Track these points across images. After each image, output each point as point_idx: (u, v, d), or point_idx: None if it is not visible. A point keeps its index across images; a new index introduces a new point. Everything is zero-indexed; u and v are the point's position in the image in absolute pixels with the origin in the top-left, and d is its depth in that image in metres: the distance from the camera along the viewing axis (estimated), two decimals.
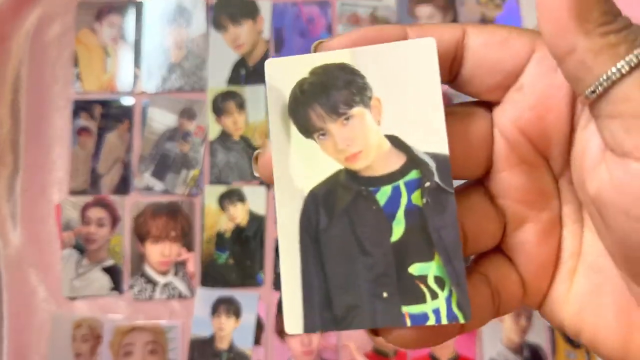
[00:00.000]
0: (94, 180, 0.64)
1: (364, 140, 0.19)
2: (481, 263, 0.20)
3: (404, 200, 0.19)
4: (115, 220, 0.63)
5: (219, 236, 0.63)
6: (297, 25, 0.67)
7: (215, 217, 0.63)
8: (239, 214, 0.63)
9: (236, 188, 0.63)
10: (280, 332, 0.61)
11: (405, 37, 0.19)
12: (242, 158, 0.64)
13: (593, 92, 0.16)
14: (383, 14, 0.67)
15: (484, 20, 0.67)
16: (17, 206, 0.63)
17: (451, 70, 0.20)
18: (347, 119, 0.19)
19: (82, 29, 0.67)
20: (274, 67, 0.20)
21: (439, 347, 0.61)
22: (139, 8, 0.67)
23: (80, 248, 0.62)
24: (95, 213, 0.63)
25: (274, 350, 0.61)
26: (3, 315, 0.61)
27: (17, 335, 0.61)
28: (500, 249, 0.21)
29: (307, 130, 0.19)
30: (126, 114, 0.65)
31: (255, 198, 0.63)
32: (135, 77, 0.66)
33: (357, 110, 0.19)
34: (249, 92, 0.65)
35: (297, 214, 0.19)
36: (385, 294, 0.19)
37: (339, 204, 0.19)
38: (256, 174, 0.21)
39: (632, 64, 0.15)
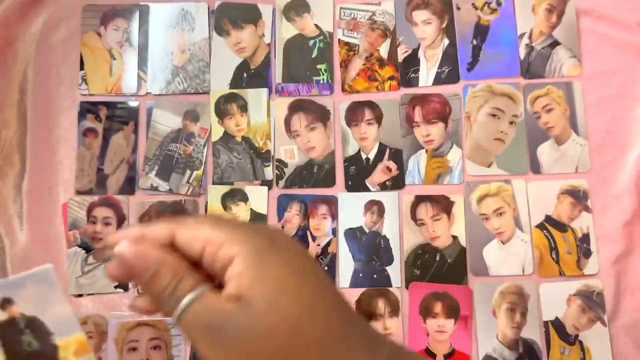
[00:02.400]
0: (99, 180, 0.65)
1: None
2: None
3: None
4: (120, 219, 0.64)
5: None
6: None
7: None
8: (241, 213, 0.64)
9: (238, 188, 0.64)
10: None
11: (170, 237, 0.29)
12: (244, 159, 0.65)
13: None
14: (381, 18, 0.68)
15: (480, 25, 0.68)
16: (24, 206, 0.64)
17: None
18: None
19: (87, 32, 0.68)
20: None
21: (436, 343, 0.62)
22: (143, 12, 0.68)
23: (86, 247, 0.63)
24: (101, 212, 0.64)
25: None
26: None
27: None
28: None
29: None
30: (131, 115, 0.66)
31: (257, 198, 0.64)
32: (140, 79, 0.67)
33: None
34: (251, 94, 0.66)
35: None
36: None
37: None
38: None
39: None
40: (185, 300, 0.27)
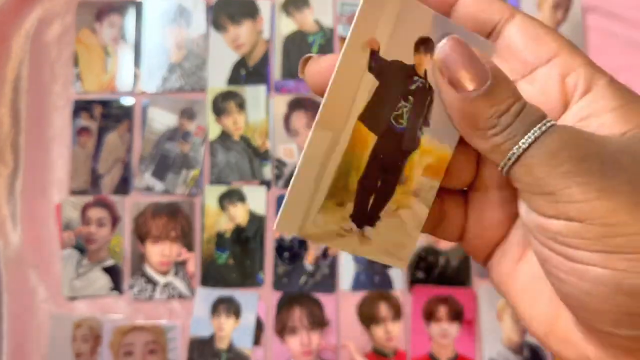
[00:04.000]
0: (94, 180, 0.64)
1: None
2: (444, 192, 0.24)
3: None
4: (115, 220, 0.63)
5: (219, 236, 0.63)
6: None
7: (216, 217, 0.63)
8: (239, 214, 0.63)
9: (236, 188, 0.63)
10: (280, 332, 0.61)
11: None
12: (242, 158, 0.64)
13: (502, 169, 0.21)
14: None
15: None
16: (17, 206, 0.63)
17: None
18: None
19: (82, 29, 0.67)
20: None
21: (439, 347, 0.61)
22: (139, 8, 0.67)
23: (81, 248, 0.62)
24: (96, 213, 0.63)
25: (274, 350, 0.61)
26: (3, 316, 0.61)
27: (17, 335, 0.61)
28: (463, 192, 0.24)
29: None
30: (126, 114, 0.65)
31: (255, 198, 0.63)
32: (136, 77, 0.66)
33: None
34: (249, 92, 0.65)
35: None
36: None
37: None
38: (300, 76, 0.23)
39: (514, 158, 0.20)
40: (535, 131, 0.20)
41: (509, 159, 0.20)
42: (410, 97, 0.23)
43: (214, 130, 0.65)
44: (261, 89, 0.65)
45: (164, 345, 0.61)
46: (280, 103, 0.65)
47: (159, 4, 0.67)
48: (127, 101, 0.65)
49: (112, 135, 0.65)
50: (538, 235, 0.21)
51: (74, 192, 0.64)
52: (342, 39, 0.66)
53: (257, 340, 0.61)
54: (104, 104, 0.65)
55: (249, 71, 0.66)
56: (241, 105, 0.65)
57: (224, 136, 0.65)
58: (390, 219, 0.24)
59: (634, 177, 0.18)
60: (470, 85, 0.20)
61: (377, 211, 0.23)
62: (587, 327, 0.21)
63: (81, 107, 0.65)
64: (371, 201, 0.23)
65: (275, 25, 0.67)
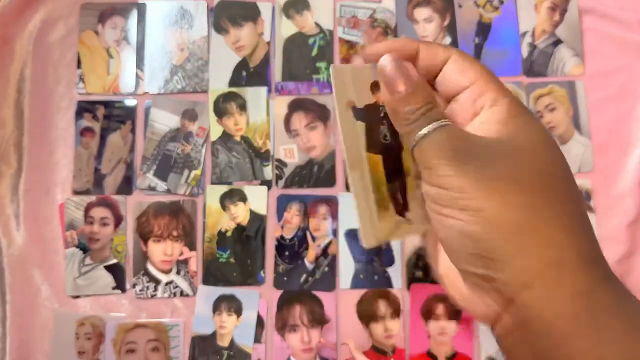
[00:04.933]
0: (97, 180, 0.64)
1: None
2: None
3: None
4: (118, 219, 0.64)
5: (221, 235, 0.63)
6: None
7: (217, 217, 0.63)
8: (240, 214, 0.64)
9: (237, 188, 0.64)
10: (281, 329, 0.61)
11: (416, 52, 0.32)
12: (244, 158, 0.65)
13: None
14: (382, 16, 0.68)
15: (482, 23, 0.67)
16: (21, 206, 0.64)
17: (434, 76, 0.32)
18: None
19: (85, 30, 0.67)
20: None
21: (437, 345, 0.61)
22: (141, 10, 0.68)
23: (84, 247, 0.63)
24: (99, 212, 0.64)
25: (274, 348, 0.61)
26: (7, 314, 0.61)
27: (21, 333, 0.61)
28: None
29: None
30: (129, 115, 0.66)
31: (256, 198, 0.64)
32: (138, 78, 0.66)
33: None
34: (250, 93, 0.66)
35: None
36: None
37: None
38: (361, 57, 0.37)
39: (414, 143, 0.30)
40: (432, 126, 0.29)
41: (413, 143, 0.30)
42: (384, 121, 0.34)
43: (215, 131, 0.65)
44: (262, 90, 0.66)
45: (166, 343, 0.61)
46: (281, 104, 0.66)
47: (161, 7, 0.68)
48: (129, 102, 0.66)
49: (114, 136, 0.65)
50: (427, 199, 0.30)
51: (77, 192, 0.64)
52: (342, 40, 0.67)
53: (258, 338, 0.61)
54: (107, 105, 0.66)
55: (249, 73, 0.66)
56: (242, 107, 0.65)
57: (225, 137, 0.65)
58: (413, 201, 0.34)
59: (484, 165, 0.27)
60: (399, 89, 0.30)
61: (405, 200, 0.34)
62: (458, 268, 0.29)
63: (84, 108, 0.66)
64: (399, 197, 0.34)
65: (276, 27, 0.67)
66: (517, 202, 0.26)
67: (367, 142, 0.33)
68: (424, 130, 0.29)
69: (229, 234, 0.63)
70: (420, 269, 0.62)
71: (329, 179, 0.64)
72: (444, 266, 0.31)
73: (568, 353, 0.25)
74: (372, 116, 0.33)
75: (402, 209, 0.34)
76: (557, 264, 0.26)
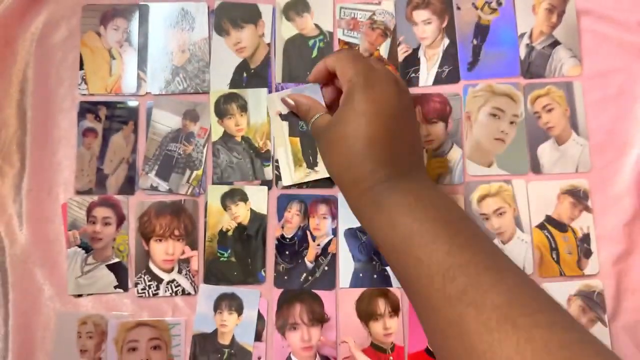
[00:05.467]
0: (99, 180, 0.65)
1: None
2: None
3: None
4: (120, 219, 0.64)
5: (222, 235, 0.64)
6: None
7: (218, 216, 0.64)
8: (241, 213, 0.64)
9: (238, 188, 0.64)
10: (281, 328, 0.62)
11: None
12: (244, 159, 0.65)
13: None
14: (381, 18, 0.68)
15: (480, 25, 0.68)
16: (23, 206, 0.64)
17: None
18: None
19: (87, 32, 0.68)
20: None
21: None
22: (143, 12, 0.68)
23: (86, 247, 0.63)
24: (101, 212, 0.64)
25: (275, 345, 0.62)
26: (9, 314, 0.62)
27: (23, 332, 0.62)
28: None
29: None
30: (131, 115, 0.66)
31: (256, 197, 0.64)
32: (140, 79, 0.67)
33: None
34: (250, 94, 0.66)
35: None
36: None
37: None
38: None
39: (307, 127, 0.62)
40: (314, 117, 0.55)
41: (309, 128, 0.56)
42: (296, 117, 0.63)
43: (216, 132, 0.66)
44: (262, 91, 0.66)
45: (168, 341, 0.62)
46: (281, 105, 0.66)
47: (163, 8, 0.68)
48: (131, 103, 0.66)
49: (117, 137, 0.66)
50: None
51: (80, 192, 0.65)
52: (342, 42, 0.68)
53: (258, 336, 0.62)
54: (109, 105, 0.66)
55: (250, 74, 0.67)
56: (243, 107, 0.66)
57: (226, 137, 0.66)
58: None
59: (329, 131, 0.51)
60: (295, 108, 0.60)
61: (315, 160, 0.63)
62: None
63: (86, 109, 0.66)
64: (311, 159, 0.62)
65: (276, 29, 0.68)
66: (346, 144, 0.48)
67: (290, 131, 0.63)
68: (310, 122, 0.56)
69: (229, 233, 0.64)
70: None
71: (328, 179, 0.65)
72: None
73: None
74: (291, 117, 0.63)
75: (312, 165, 0.63)
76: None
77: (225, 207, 0.64)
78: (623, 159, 0.65)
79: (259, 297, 0.62)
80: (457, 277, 0.39)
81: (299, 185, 0.65)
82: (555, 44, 0.67)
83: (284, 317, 0.62)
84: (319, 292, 0.63)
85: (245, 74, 0.67)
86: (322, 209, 0.64)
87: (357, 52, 0.64)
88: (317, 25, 0.68)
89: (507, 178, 0.65)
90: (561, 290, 0.62)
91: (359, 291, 0.63)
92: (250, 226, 0.64)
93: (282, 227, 0.64)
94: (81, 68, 0.67)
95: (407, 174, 0.47)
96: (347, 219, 0.64)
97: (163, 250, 0.63)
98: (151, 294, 0.63)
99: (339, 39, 0.68)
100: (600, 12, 0.67)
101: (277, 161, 0.64)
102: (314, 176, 0.62)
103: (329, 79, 0.56)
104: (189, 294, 0.63)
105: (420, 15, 0.68)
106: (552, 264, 0.63)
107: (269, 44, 0.68)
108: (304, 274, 0.63)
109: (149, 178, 0.65)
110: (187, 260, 0.63)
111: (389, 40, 0.68)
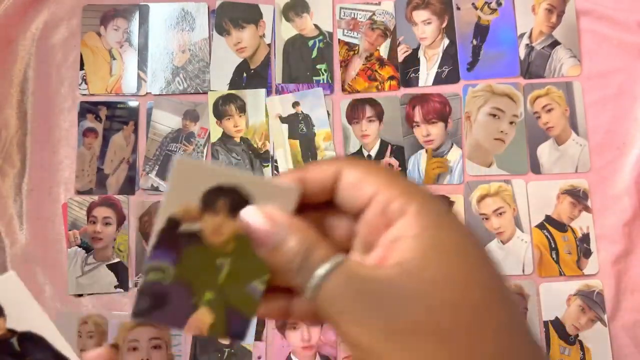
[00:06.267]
0: (99, 180, 0.65)
1: None
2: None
3: None
4: (120, 219, 0.64)
5: None
6: None
7: None
8: None
9: None
10: (281, 328, 0.62)
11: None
12: (243, 159, 0.65)
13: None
14: (381, 18, 0.68)
15: (480, 25, 0.68)
16: (24, 205, 0.64)
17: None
18: None
19: (87, 32, 0.68)
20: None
21: None
22: (143, 12, 0.68)
23: (86, 246, 0.63)
24: (101, 212, 0.64)
25: (275, 345, 0.62)
26: None
27: None
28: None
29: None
30: (131, 115, 0.66)
31: None
32: (140, 79, 0.67)
33: None
34: (249, 95, 0.66)
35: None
36: None
37: None
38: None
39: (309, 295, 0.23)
40: (321, 270, 0.23)
41: (309, 294, 0.23)
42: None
43: (215, 133, 0.66)
44: (262, 92, 0.66)
45: (168, 341, 0.62)
46: (282, 107, 0.66)
47: (164, 9, 0.68)
48: (132, 103, 0.66)
49: (117, 137, 0.66)
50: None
51: (80, 192, 0.65)
52: (341, 42, 0.68)
53: (259, 336, 0.62)
54: (109, 106, 0.66)
55: (250, 74, 0.67)
56: (241, 108, 0.66)
57: (225, 138, 0.66)
58: None
59: (390, 315, 0.22)
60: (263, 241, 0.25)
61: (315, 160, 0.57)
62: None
63: (87, 109, 0.66)
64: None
65: (276, 29, 0.68)
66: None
67: (289, 134, 0.64)
68: (315, 279, 0.23)
69: None
70: None
71: None
72: None
73: None
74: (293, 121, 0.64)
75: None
76: None
77: None
78: (622, 159, 0.65)
79: None
80: None
81: None
82: (555, 44, 0.67)
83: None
84: None
85: (245, 74, 0.67)
86: None
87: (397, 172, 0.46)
88: (316, 26, 0.68)
89: (507, 178, 0.65)
90: (561, 290, 0.62)
91: None
92: None
93: None
94: (82, 68, 0.67)
95: None
96: None
97: None
98: None
99: (339, 40, 0.68)
100: (600, 13, 0.67)
101: (276, 161, 0.62)
102: None
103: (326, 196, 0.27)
104: None
105: (420, 15, 0.68)
106: (551, 264, 0.63)
107: (269, 45, 0.68)
108: None
109: (150, 178, 0.65)
110: None
111: (388, 41, 0.68)
